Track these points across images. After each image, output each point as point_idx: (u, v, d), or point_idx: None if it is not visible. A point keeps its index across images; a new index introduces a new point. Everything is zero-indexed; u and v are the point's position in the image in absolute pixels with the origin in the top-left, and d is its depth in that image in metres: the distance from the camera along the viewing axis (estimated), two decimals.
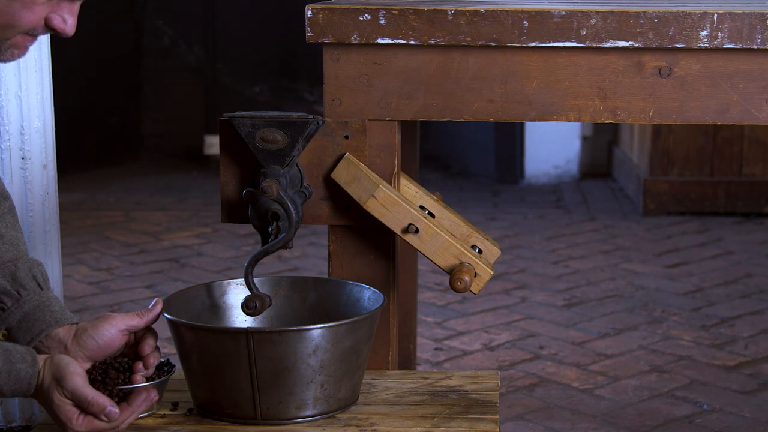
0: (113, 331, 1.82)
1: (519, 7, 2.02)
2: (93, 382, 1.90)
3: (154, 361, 1.84)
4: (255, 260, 1.99)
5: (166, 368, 1.94)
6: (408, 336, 2.48)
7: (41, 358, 1.74)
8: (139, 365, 1.82)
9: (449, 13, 2.02)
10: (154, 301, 1.87)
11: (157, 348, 1.86)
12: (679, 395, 2.91)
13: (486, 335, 3.35)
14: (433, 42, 2.03)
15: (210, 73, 5.97)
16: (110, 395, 1.79)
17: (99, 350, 1.82)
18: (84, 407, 1.72)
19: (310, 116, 2.04)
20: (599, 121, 2.06)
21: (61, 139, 2.83)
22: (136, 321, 1.84)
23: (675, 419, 2.77)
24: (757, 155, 4.79)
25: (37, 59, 2.45)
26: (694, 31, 2.00)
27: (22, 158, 2.47)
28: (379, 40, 2.03)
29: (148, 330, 1.86)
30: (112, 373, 1.90)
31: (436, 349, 3.24)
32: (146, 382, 1.86)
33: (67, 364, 1.73)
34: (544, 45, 2.02)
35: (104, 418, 1.73)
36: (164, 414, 1.90)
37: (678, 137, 4.81)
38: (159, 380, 1.89)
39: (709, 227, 4.63)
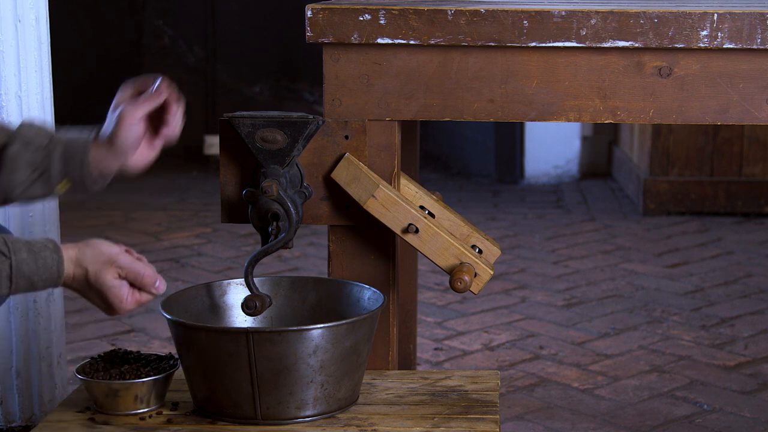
0: (136, 126, 1.87)
1: (519, 7, 2.02)
2: (95, 371, 1.91)
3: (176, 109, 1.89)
4: (255, 260, 1.99)
5: (170, 362, 1.95)
6: (408, 336, 2.48)
7: (68, 248, 1.76)
8: None
9: (449, 13, 2.02)
10: (158, 81, 1.89)
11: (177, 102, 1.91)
12: (679, 395, 2.91)
13: (486, 335, 3.35)
14: (433, 42, 2.03)
15: (210, 73, 5.97)
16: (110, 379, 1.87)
17: (133, 148, 1.88)
18: (138, 281, 1.78)
19: (310, 116, 2.04)
20: (599, 121, 2.06)
21: None
22: (148, 105, 1.87)
23: (675, 419, 2.77)
24: (757, 155, 4.79)
25: (37, 59, 2.45)
26: (694, 31, 2.00)
27: None
28: (379, 40, 2.03)
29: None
30: (117, 361, 1.92)
31: (436, 349, 3.24)
32: (149, 372, 1.88)
33: (110, 245, 1.78)
34: (544, 45, 2.02)
35: (154, 291, 1.79)
36: (164, 413, 1.91)
37: (678, 137, 4.81)
38: (162, 375, 1.90)
39: (709, 227, 4.63)
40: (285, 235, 2.00)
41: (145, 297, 1.80)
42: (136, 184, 5.39)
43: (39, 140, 1.86)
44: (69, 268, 1.75)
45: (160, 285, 1.80)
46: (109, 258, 1.76)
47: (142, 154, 1.92)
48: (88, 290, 1.77)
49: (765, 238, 4.47)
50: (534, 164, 5.56)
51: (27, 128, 1.87)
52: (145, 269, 1.78)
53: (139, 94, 1.90)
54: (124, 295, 1.78)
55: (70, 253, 1.75)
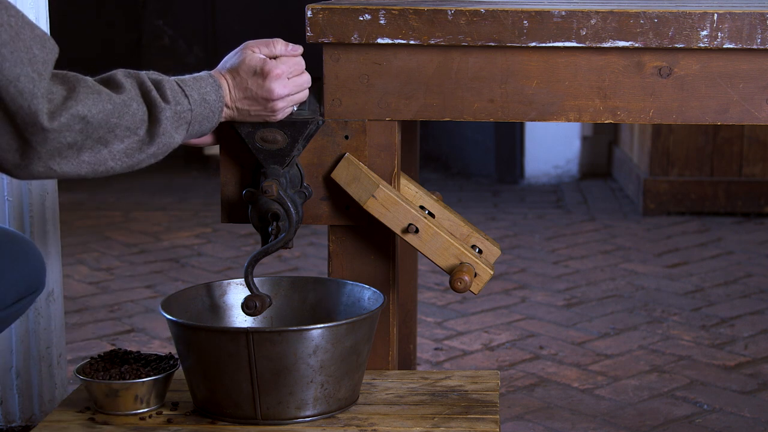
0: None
1: (519, 7, 2.02)
2: (95, 371, 1.91)
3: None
4: (255, 260, 1.99)
5: (170, 362, 1.95)
6: (408, 336, 2.48)
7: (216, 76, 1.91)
8: None
9: (449, 13, 2.02)
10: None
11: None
12: (679, 395, 2.91)
13: (486, 335, 3.35)
14: (433, 42, 2.03)
15: None
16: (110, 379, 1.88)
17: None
18: (271, 48, 1.95)
19: (313, 105, 2.05)
20: (599, 121, 2.06)
21: None
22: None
23: (675, 419, 2.77)
24: (757, 155, 4.79)
25: None
26: (694, 31, 2.00)
27: None
28: (379, 40, 2.03)
29: None
30: (117, 361, 1.93)
31: (436, 349, 3.24)
32: (149, 372, 1.89)
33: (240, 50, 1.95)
34: (544, 45, 2.02)
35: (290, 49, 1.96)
36: (164, 413, 1.91)
37: (678, 137, 4.81)
38: (162, 375, 1.90)
39: (709, 227, 4.63)
40: (285, 235, 2.00)
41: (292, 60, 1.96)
42: (136, 184, 5.39)
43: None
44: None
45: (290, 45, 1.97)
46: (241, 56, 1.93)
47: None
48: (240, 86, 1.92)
49: (765, 238, 4.47)
50: (534, 164, 5.56)
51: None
52: (274, 40, 1.95)
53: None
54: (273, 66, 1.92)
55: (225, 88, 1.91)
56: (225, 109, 1.91)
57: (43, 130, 1.64)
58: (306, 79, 1.98)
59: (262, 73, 1.91)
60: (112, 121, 1.71)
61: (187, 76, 1.86)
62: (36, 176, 1.69)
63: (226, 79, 1.91)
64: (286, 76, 1.93)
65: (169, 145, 1.80)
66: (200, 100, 1.84)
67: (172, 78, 1.83)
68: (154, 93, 1.77)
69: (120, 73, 1.77)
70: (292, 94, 1.95)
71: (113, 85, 1.75)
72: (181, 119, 1.81)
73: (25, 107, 1.63)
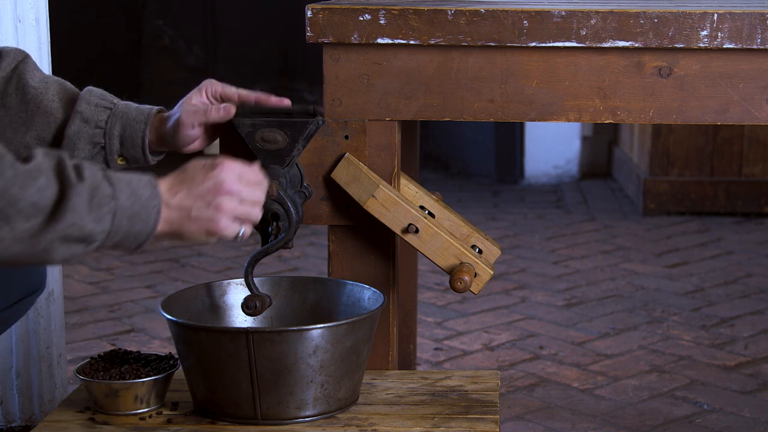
0: (196, 130, 1.93)
1: (519, 7, 2.02)
2: (95, 371, 1.91)
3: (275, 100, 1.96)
4: (255, 260, 1.99)
5: (170, 362, 1.95)
6: (408, 336, 2.48)
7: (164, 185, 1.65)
8: None
9: (449, 13, 2.02)
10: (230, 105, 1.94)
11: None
12: (679, 395, 2.91)
13: (486, 335, 3.35)
14: (433, 42, 2.03)
15: (210, 73, 5.97)
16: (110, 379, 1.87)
17: (188, 145, 1.93)
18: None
19: (311, 107, 2.04)
20: (599, 121, 2.06)
21: None
22: (215, 118, 1.93)
23: (675, 419, 2.77)
24: (757, 155, 4.79)
25: (37, 59, 2.45)
26: (694, 31, 2.00)
27: None
28: (379, 40, 2.03)
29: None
30: (117, 361, 1.92)
31: (436, 349, 3.24)
32: (149, 372, 1.89)
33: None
34: (544, 45, 2.02)
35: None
36: (164, 413, 1.91)
37: (678, 137, 4.81)
38: (162, 375, 1.90)
39: (709, 227, 4.63)
40: (285, 235, 2.00)
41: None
42: None
43: (98, 117, 1.89)
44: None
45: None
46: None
47: (197, 142, 1.98)
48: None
49: (765, 238, 4.47)
50: (534, 164, 5.56)
51: (86, 102, 1.89)
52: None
53: (218, 100, 1.96)
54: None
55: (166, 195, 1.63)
56: (164, 208, 1.62)
57: None
58: (259, 196, 1.73)
59: (212, 166, 1.68)
60: (13, 191, 1.46)
61: (122, 174, 1.60)
62: None
63: (167, 178, 1.66)
64: (240, 175, 1.70)
65: (81, 229, 1.51)
66: (129, 192, 1.57)
67: (102, 170, 1.59)
68: (70, 171, 1.52)
69: (39, 149, 1.54)
70: (243, 198, 1.69)
71: (24, 157, 1.51)
72: (100, 205, 1.53)
73: None
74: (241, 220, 1.70)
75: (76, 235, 1.51)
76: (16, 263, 1.49)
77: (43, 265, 1.63)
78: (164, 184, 1.64)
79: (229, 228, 1.68)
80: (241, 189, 1.69)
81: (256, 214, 1.72)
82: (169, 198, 1.63)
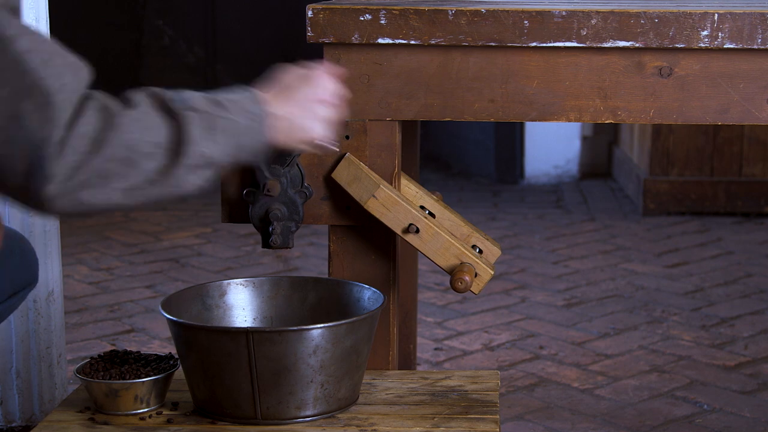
0: None
1: (519, 7, 2.02)
2: (95, 371, 1.91)
3: None
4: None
5: (170, 362, 1.95)
6: (408, 336, 2.48)
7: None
8: None
9: (450, 13, 2.02)
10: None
11: None
12: (679, 395, 2.90)
13: (486, 335, 3.35)
14: (433, 42, 2.03)
15: (210, 73, 5.97)
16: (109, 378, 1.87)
17: None
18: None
19: None
20: (599, 121, 2.06)
21: None
22: None
23: (675, 419, 2.77)
24: (757, 155, 4.79)
25: None
26: (695, 31, 2.00)
27: None
28: (380, 40, 2.03)
29: None
30: (117, 361, 1.93)
31: (436, 349, 3.24)
32: (149, 372, 1.89)
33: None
34: (544, 45, 2.02)
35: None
36: (164, 413, 1.90)
37: (678, 137, 4.81)
38: (162, 375, 1.90)
39: (709, 227, 4.63)
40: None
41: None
42: None
43: None
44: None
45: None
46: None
47: None
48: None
49: (765, 238, 4.47)
50: (534, 164, 5.56)
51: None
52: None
53: None
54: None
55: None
56: (271, 119, 1.67)
57: (60, 154, 1.46)
58: (341, 110, 1.80)
59: (309, 76, 1.74)
60: (132, 138, 1.52)
61: (225, 93, 1.67)
62: (65, 209, 1.50)
63: (269, 89, 1.72)
64: (331, 87, 1.76)
65: (203, 155, 1.57)
66: (238, 109, 1.63)
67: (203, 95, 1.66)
68: (176, 104, 1.59)
69: (135, 93, 1.59)
70: (332, 110, 1.76)
71: (127, 103, 1.57)
72: (214, 128, 1.59)
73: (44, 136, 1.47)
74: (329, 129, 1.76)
75: (200, 162, 1.57)
76: (158, 202, 1.56)
77: (180, 200, 1.65)
78: (268, 96, 1.68)
79: (325, 135, 1.75)
80: (333, 101, 1.75)
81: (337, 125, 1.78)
82: (275, 108, 1.68)
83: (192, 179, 1.57)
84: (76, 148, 1.47)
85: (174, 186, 1.55)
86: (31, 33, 1.47)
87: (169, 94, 1.59)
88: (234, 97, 1.65)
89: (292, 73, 1.74)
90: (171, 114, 1.57)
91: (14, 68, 1.44)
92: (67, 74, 1.48)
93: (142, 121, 1.53)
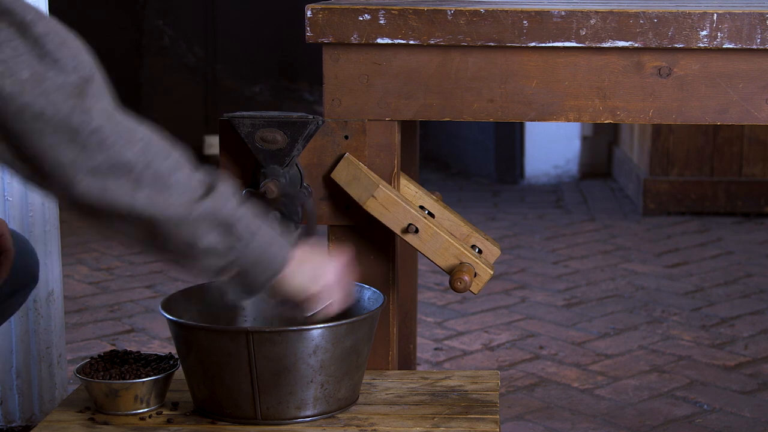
0: None
1: (519, 7, 2.02)
2: (95, 371, 1.91)
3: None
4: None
5: (170, 362, 1.95)
6: (408, 336, 2.48)
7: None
8: None
9: (449, 13, 2.02)
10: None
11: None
12: (679, 395, 2.91)
13: (486, 335, 3.35)
14: (432, 42, 2.03)
15: (210, 73, 5.97)
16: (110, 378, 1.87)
17: None
18: None
19: (310, 116, 2.04)
20: (599, 121, 2.06)
21: None
22: None
23: (675, 419, 2.77)
24: (757, 155, 4.79)
25: None
26: (694, 31, 2.00)
27: None
28: (379, 40, 2.03)
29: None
30: (117, 361, 1.92)
31: (436, 349, 3.24)
32: (149, 372, 1.89)
33: None
34: (543, 45, 2.02)
35: None
36: (164, 413, 1.91)
37: (678, 137, 4.81)
38: (162, 375, 1.90)
39: (709, 227, 4.63)
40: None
41: None
42: None
43: None
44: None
45: None
46: None
47: None
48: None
49: (765, 238, 4.47)
50: (534, 164, 5.56)
51: None
52: None
53: None
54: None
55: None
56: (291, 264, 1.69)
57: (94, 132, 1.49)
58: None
59: (334, 265, 1.79)
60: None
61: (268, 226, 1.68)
62: (84, 197, 1.51)
63: (298, 248, 1.73)
64: (342, 282, 1.81)
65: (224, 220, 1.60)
66: (274, 240, 1.66)
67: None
68: (243, 226, 1.61)
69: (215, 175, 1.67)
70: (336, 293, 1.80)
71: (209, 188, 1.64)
72: (218, 223, 1.61)
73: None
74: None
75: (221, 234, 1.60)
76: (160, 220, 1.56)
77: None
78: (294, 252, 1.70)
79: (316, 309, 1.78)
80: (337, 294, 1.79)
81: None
82: (298, 260, 1.70)
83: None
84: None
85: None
86: (46, 17, 1.52)
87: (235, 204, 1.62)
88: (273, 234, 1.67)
89: (323, 253, 1.78)
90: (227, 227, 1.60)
91: (34, 51, 1.48)
92: (83, 54, 1.53)
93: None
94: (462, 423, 1.86)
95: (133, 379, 1.89)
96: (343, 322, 1.83)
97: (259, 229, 1.63)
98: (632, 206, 4.98)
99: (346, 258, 1.83)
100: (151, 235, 1.56)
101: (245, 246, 1.62)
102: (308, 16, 2.03)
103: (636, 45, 2.01)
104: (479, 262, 2.00)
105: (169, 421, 1.88)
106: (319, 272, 1.75)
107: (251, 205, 1.65)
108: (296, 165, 2.05)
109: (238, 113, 2.04)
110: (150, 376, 1.90)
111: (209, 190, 1.62)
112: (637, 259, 4.15)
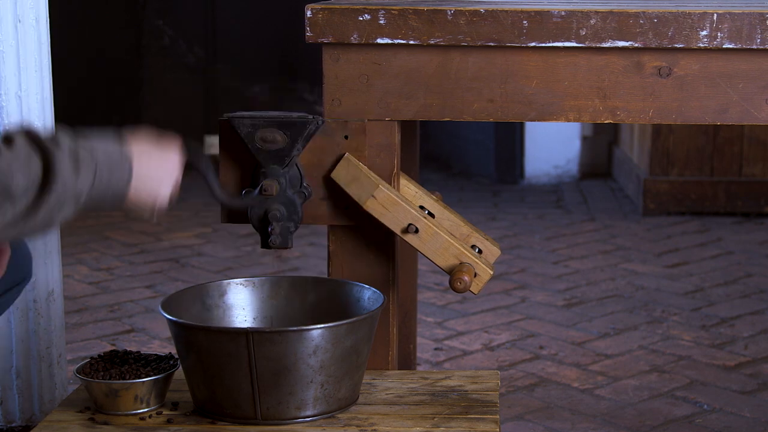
0: None
1: (519, 7, 2.02)
2: (95, 371, 1.91)
3: None
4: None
5: (170, 362, 1.95)
6: (408, 336, 2.48)
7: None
8: None
9: (449, 13, 2.02)
10: None
11: None
12: (679, 395, 2.91)
13: (486, 335, 3.35)
14: (432, 42, 2.03)
15: (210, 73, 5.97)
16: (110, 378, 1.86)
17: None
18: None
19: (310, 116, 2.04)
20: (599, 121, 2.06)
21: None
22: None
23: (675, 419, 2.77)
24: (757, 155, 4.79)
25: (37, 59, 2.45)
26: (694, 31, 2.00)
27: None
28: (379, 40, 2.03)
29: None
30: (117, 361, 1.92)
31: (436, 349, 3.24)
32: (149, 372, 1.89)
33: None
34: (543, 45, 2.02)
35: None
36: (164, 413, 1.91)
37: (678, 137, 4.81)
38: (162, 375, 1.90)
39: (709, 227, 4.63)
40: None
41: None
42: None
43: None
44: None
45: None
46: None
47: None
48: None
49: (765, 238, 4.47)
50: (534, 164, 5.56)
51: None
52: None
53: None
54: None
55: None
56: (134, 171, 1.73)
57: None
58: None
59: (164, 147, 1.80)
60: (8, 174, 1.57)
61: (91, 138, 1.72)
62: None
63: (131, 144, 1.77)
64: (179, 164, 1.83)
65: (74, 194, 1.64)
66: (106, 152, 1.69)
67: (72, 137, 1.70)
68: (48, 142, 1.62)
69: (16, 131, 1.64)
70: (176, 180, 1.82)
71: (5, 139, 1.62)
72: (81, 167, 1.64)
73: None
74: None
75: (67, 198, 1.62)
76: (27, 236, 1.61)
77: (46, 232, 1.69)
78: (133, 150, 1.73)
79: (164, 205, 1.80)
80: (176, 178, 1.80)
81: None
82: (137, 163, 1.73)
83: (59, 215, 1.62)
84: None
85: (41, 220, 1.60)
86: None
87: (45, 134, 1.63)
88: (102, 146, 1.69)
89: (151, 138, 1.79)
90: (43, 150, 1.61)
91: None
92: None
93: (18, 159, 1.58)
94: (462, 423, 1.86)
95: (133, 379, 1.89)
96: (343, 322, 1.83)
97: (95, 146, 1.67)
98: (632, 206, 4.98)
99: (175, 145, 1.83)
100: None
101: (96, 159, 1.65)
102: (308, 16, 2.03)
103: (636, 45, 2.01)
104: (479, 262, 2.00)
105: (169, 421, 1.88)
106: (165, 171, 1.78)
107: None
108: (296, 165, 2.05)
109: (238, 113, 2.04)
110: (150, 376, 1.90)
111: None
112: (637, 259, 4.15)
